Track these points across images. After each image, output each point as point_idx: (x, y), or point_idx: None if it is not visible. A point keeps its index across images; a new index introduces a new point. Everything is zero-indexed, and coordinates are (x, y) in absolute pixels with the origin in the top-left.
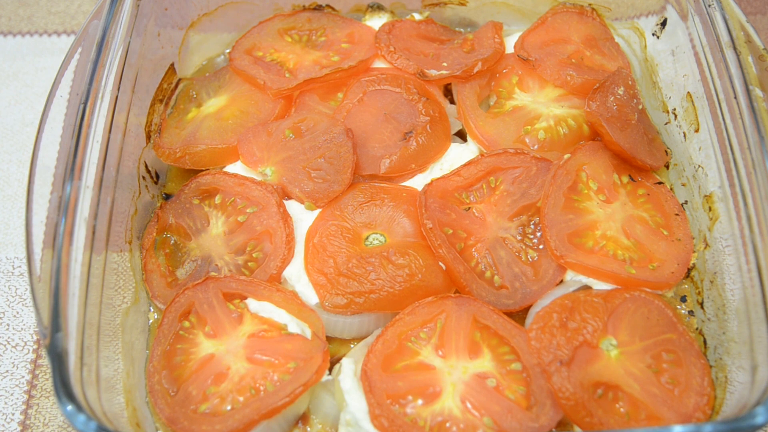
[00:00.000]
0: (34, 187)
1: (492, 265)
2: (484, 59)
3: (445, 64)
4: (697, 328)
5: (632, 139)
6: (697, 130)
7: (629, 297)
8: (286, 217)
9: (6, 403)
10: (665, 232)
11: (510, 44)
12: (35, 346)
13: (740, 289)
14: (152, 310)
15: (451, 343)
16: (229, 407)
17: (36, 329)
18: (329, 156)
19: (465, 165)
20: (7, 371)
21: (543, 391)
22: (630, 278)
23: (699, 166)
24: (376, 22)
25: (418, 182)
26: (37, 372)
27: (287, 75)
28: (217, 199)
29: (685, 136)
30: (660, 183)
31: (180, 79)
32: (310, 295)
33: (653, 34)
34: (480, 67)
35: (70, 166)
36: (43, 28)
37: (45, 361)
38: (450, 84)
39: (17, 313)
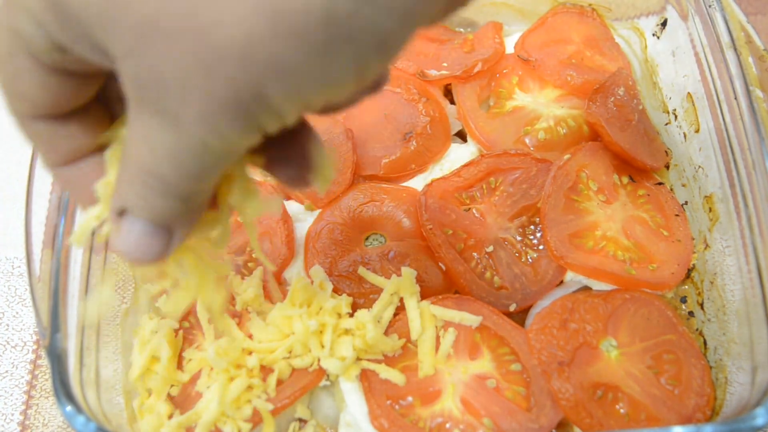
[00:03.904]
0: (34, 187)
1: (492, 265)
2: (484, 60)
3: (445, 64)
4: (697, 329)
5: (632, 140)
6: (697, 131)
7: (629, 298)
8: (285, 218)
9: (5, 403)
10: (665, 233)
11: (510, 44)
12: (35, 347)
13: (740, 290)
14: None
15: None
16: None
17: (36, 329)
18: None
19: (465, 165)
20: (6, 371)
21: (543, 391)
22: (630, 279)
23: (699, 166)
24: None
25: (418, 183)
26: (36, 372)
27: None
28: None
29: (685, 136)
30: (660, 183)
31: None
32: None
33: (653, 35)
34: (480, 67)
35: None
36: None
37: (44, 362)
38: (450, 84)
39: (17, 313)
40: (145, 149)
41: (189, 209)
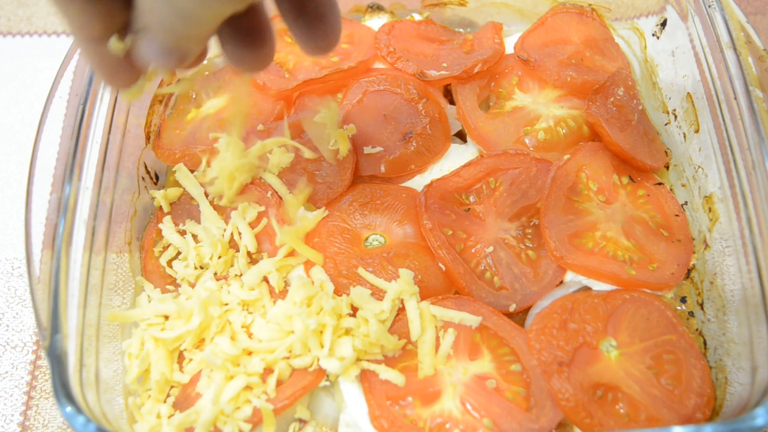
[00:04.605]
0: (34, 188)
1: (492, 266)
2: (484, 60)
3: (444, 64)
4: (697, 329)
5: (632, 140)
6: (697, 131)
7: (629, 298)
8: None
9: (5, 404)
10: (665, 233)
11: (510, 45)
12: (35, 348)
13: (740, 290)
14: None
15: None
16: None
17: (35, 330)
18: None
19: (465, 166)
20: (6, 372)
21: (543, 392)
22: (630, 279)
23: (699, 166)
24: (375, 22)
25: (417, 183)
26: (36, 373)
27: (287, 76)
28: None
29: (685, 136)
30: (660, 184)
31: (179, 80)
32: None
33: (653, 35)
34: (480, 67)
35: (70, 167)
36: (43, 29)
37: (44, 363)
38: (450, 85)
39: (17, 314)
40: None
41: (190, 43)
